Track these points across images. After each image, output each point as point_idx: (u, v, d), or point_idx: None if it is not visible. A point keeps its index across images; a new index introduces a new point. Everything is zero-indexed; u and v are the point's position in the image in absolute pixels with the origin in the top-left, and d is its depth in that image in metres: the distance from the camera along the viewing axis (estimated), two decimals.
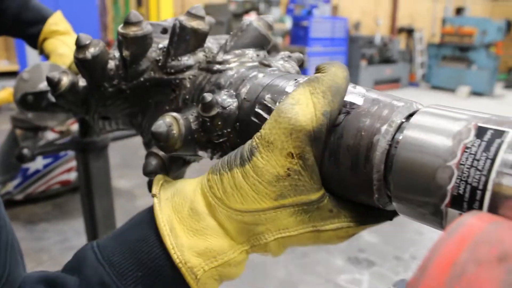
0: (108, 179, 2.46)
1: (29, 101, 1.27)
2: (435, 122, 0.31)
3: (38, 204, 3.04)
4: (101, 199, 2.41)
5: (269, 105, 0.40)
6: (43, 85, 1.25)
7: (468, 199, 0.28)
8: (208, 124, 0.42)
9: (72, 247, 2.59)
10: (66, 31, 1.15)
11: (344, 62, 9.01)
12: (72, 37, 1.17)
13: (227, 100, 0.42)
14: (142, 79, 0.49)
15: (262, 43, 0.48)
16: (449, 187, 0.28)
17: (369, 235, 2.85)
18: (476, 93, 9.23)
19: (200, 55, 0.48)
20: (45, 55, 1.18)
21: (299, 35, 8.56)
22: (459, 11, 12.15)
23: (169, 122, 0.42)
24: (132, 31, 0.46)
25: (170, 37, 0.47)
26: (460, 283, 0.19)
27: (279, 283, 2.34)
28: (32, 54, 5.23)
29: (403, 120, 0.33)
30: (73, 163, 3.13)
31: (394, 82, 9.66)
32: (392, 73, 9.57)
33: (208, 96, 0.41)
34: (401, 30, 11.41)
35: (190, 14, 0.46)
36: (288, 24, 8.58)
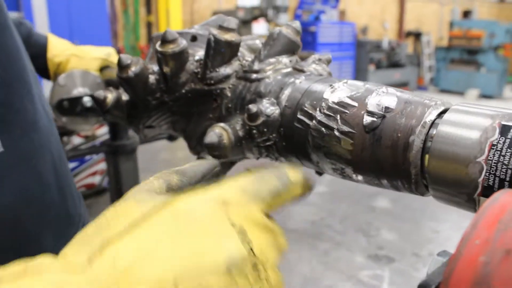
0: (137, 180, 2.54)
1: (65, 107, 1.35)
2: (465, 119, 0.35)
3: None
4: None
5: (310, 111, 0.43)
6: (77, 91, 1.34)
7: (497, 189, 0.32)
8: (254, 131, 0.46)
9: None
10: (67, 56, 1.14)
11: (352, 66, 9.07)
12: (76, 56, 1.17)
13: (270, 108, 0.45)
14: (183, 91, 0.52)
15: (293, 49, 0.51)
16: (480, 179, 0.32)
17: (388, 233, 2.91)
18: (485, 96, 9.24)
19: (235, 64, 0.51)
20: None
21: (307, 41, 8.63)
22: (466, 14, 12.18)
23: (219, 133, 0.45)
24: (170, 48, 0.49)
25: (206, 51, 0.50)
26: (505, 234, 0.23)
27: (304, 279, 2.41)
28: None
29: (436, 117, 0.37)
30: (97, 167, 3.22)
31: (402, 86, 9.71)
32: (400, 77, 9.62)
33: (253, 107, 0.45)
34: (408, 34, 11.46)
35: (222, 28, 0.49)
36: None
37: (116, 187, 2.47)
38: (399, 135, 0.37)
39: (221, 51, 0.49)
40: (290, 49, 0.50)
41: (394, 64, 9.62)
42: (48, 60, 1.11)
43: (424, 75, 10.55)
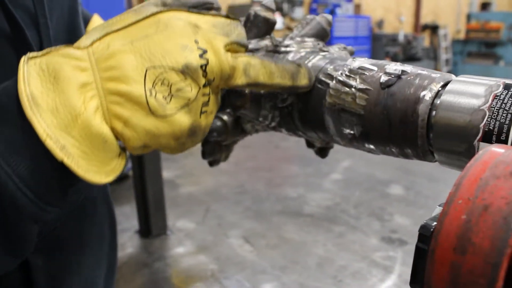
0: (159, 164, 2.67)
1: None
2: (473, 80, 0.38)
3: None
4: (152, 183, 2.62)
5: (331, 73, 0.46)
6: None
7: (496, 133, 0.34)
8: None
9: (125, 229, 2.81)
10: None
11: None
12: None
13: None
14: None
15: (322, 36, 0.55)
16: (482, 124, 0.35)
17: (401, 218, 2.97)
18: None
19: (267, 41, 0.54)
20: None
21: None
22: (484, 6, 12.00)
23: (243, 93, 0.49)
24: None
25: (244, 23, 0.53)
26: (484, 192, 0.25)
27: (319, 259, 2.50)
28: None
29: (447, 82, 0.39)
30: None
31: None
32: None
33: None
34: (425, 27, 11.35)
35: (263, 6, 0.53)
36: None
37: (139, 170, 2.60)
38: (411, 91, 0.40)
39: (258, 25, 0.53)
40: (320, 35, 0.55)
41: (411, 58, 9.56)
42: (86, 32, 1.21)
43: (441, 68, 10.44)
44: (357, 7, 10.00)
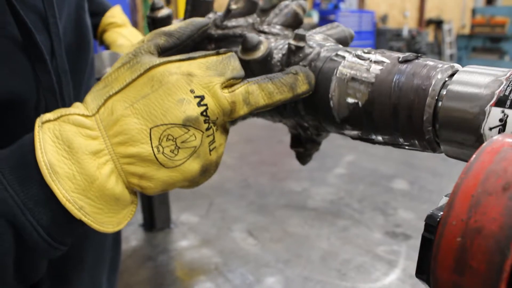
0: None
1: None
2: (483, 71, 0.37)
3: None
4: None
5: (350, 50, 0.47)
6: (106, 71, 1.43)
7: (511, 99, 0.34)
8: (292, 51, 0.49)
9: (129, 223, 2.78)
10: (122, 23, 1.22)
11: None
12: (129, 29, 1.25)
13: (312, 43, 0.50)
14: (231, 32, 0.56)
15: (343, 42, 0.57)
16: (497, 91, 0.35)
17: (405, 213, 2.97)
18: None
19: (289, 32, 0.55)
20: (105, 46, 1.26)
21: None
22: (490, 0, 11.92)
23: (261, 39, 0.49)
24: None
25: (274, 10, 0.55)
26: (476, 212, 0.24)
27: (323, 253, 2.50)
28: None
29: (447, 79, 0.39)
30: None
31: None
32: None
33: (302, 32, 0.49)
34: (429, 22, 11.29)
35: (298, 3, 0.56)
36: (315, 18, 8.67)
37: None
38: (428, 67, 0.40)
39: (287, 15, 0.55)
40: (341, 41, 0.57)
41: (414, 53, 9.49)
42: (103, 17, 1.18)
43: None
44: (361, 1, 9.95)
